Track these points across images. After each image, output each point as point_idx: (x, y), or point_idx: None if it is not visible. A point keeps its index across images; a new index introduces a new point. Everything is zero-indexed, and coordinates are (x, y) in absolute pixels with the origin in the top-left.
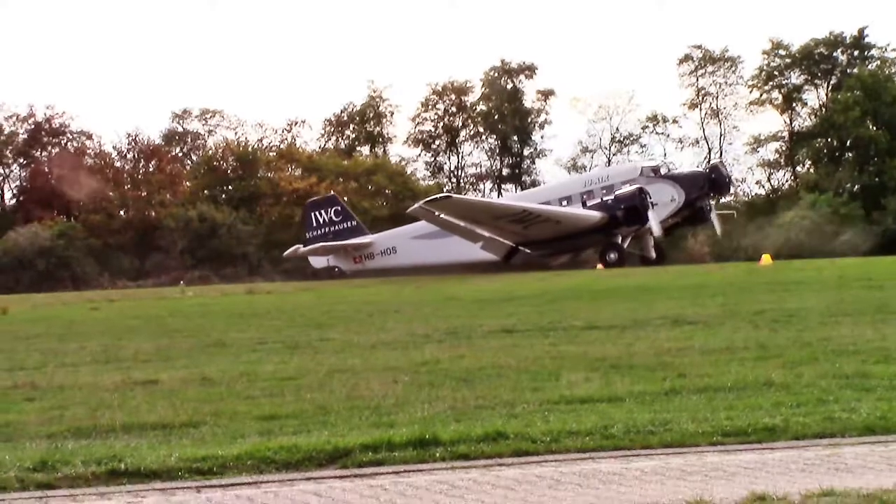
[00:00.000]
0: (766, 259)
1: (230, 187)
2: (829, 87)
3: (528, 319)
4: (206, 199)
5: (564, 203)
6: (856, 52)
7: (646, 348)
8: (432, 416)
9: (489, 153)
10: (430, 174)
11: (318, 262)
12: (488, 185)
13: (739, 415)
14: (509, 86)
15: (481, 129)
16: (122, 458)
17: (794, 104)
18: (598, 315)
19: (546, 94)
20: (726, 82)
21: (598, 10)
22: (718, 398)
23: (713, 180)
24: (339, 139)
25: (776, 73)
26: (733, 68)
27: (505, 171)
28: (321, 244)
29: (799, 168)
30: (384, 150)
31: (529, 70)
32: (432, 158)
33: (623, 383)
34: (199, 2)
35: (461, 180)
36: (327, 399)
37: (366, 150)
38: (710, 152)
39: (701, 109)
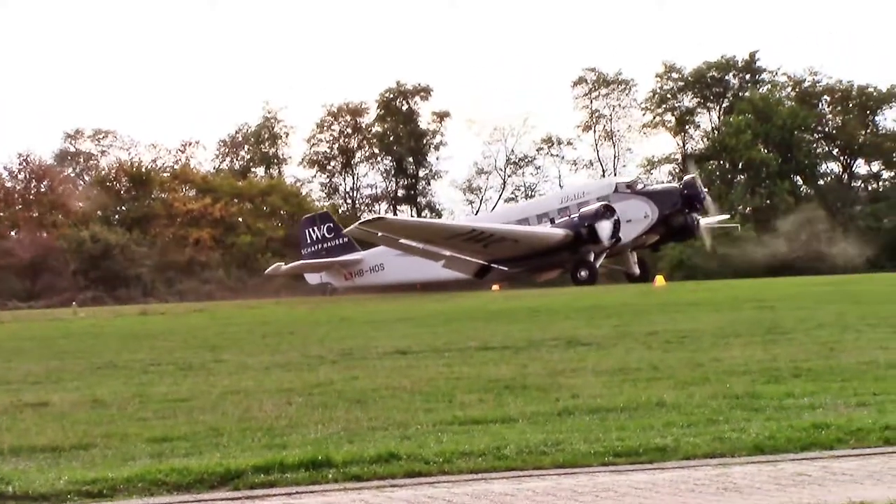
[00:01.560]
0: (659, 280)
1: (123, 208)
2: (721, 110)
3: (423, 340)
4: (99, 219)
5: (543, 220)
6: (747, 76)
7: (539, 369)
8: (325, 438)
9: (384, 174)
10: (325, 195)
11: (312, 278)
12: (383, 206)
13: (631, 435)
14: (405, 107)
15: (377, 151)
16: (10, 480)
17: (686, 127)
18: (492, 336)
19: (441, 116)
20: (620, 105)
21: (493, 32)
22: (610, 419)
23: (686, 196)
24: (234, 160)
25: (669, 95)
26: (627, 91)
27: (400, 193)
28: (301, 262)
29: None
30: (279, 171)
31: (425, 92)
32: (327, 179)
33: (516, 404)
34: (92, 21)
35: (356, 202)
36: (220, 421)
37: (261, 171)
38: (604, 174)
39: (595, 131)
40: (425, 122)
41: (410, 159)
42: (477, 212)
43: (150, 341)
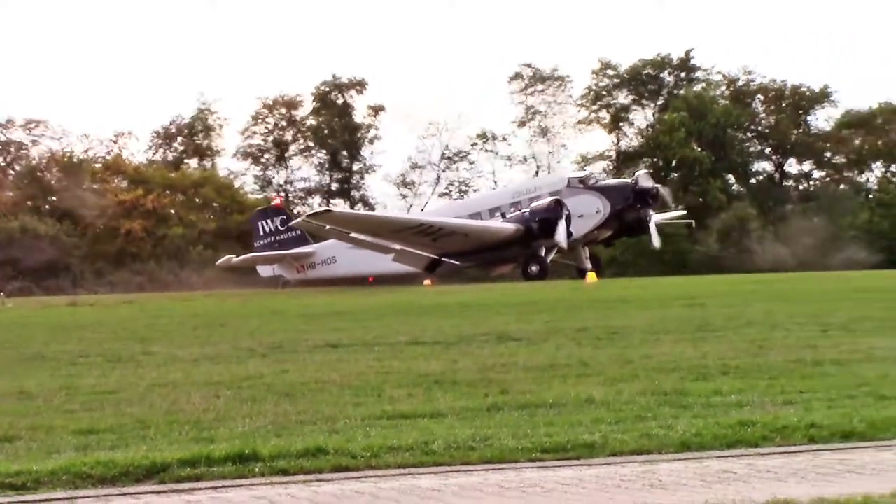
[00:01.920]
0: (591, 277)
1: (54, 198)
2: (656, 108)
3: (354, 334)
4: (29, 209)
5: (495, 214)
6: (682, 74)
7: (469, 364)
8: (253, 432)
9: (319, 168)
10: (258, 188)
11: (264, 271)
12: (317, 199)
13: (559, 431)
14: (340, 101)
15: (311, 144)
16: None
17: (621, 124)
18: (423, 331)
19: (376, 110)
20: (555, 101)
21: (429, 26)
22: (539, 414)
23: (638, 191)
24: (167, 151)
25: (604, 92)
26: (562, 87)
27: (334, 186)
28: (252, 254)
29: None
30: (213, 163)
31: (360, 85)
32: (261, 172)
33: (445, 399)
34: (24, 10)
35: (290, 194)
36: (147, 413)
37: (194, 162)
38: (538, 170)
39: (530, 127)
40: (360, 115)
41: (345, 153)
42: (410, 207)
43: (79, 332)
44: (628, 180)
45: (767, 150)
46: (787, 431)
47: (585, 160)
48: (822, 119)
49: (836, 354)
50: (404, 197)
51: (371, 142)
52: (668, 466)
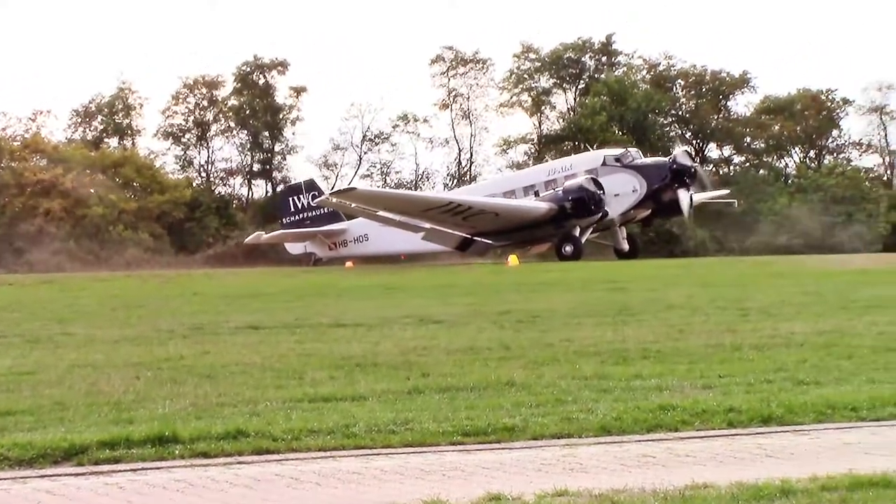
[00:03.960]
0: (513, 260)
1: None
2: (577, 92)
3: (275, 316)
4: None
5: (530, 192)
6: (603, 58)
7: (391, 347)
8: (173, 413)
9: (240, 148)
10: (179, 168)
11: (294, 248)
12: (238, 180)
13: (480, 414)
14: (261, 81)
15: (232, 124)
16: None
17: (542, 107)
18: (345, 313)
19: (298, 91)
20: (477, 84)
21: (351, 7)
22: (460, 398)
23: (675, 170)
24: (87, 130)
25: (526, 76)
26: (484, 70)
27: (256, 167)
28: (282, 231)
29: None
30: (133, 143)
31: (282, 66)
32: (182, 152)
33: (367, 382)
34: None
35: (211, 175)
36: (66, 395)
37: (114, 142)
38: (460, 153)
39: (452, 110)
40: (282, 96)
41: (266, 134)
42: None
43: None
44: (665, 159)
45: (688, 135)
46: (706, 416)
47: (507, 143)
48: (741, 104)
49: (755, 339)
50: (326, 178)
51: (293, 123)
52: (588, 450)
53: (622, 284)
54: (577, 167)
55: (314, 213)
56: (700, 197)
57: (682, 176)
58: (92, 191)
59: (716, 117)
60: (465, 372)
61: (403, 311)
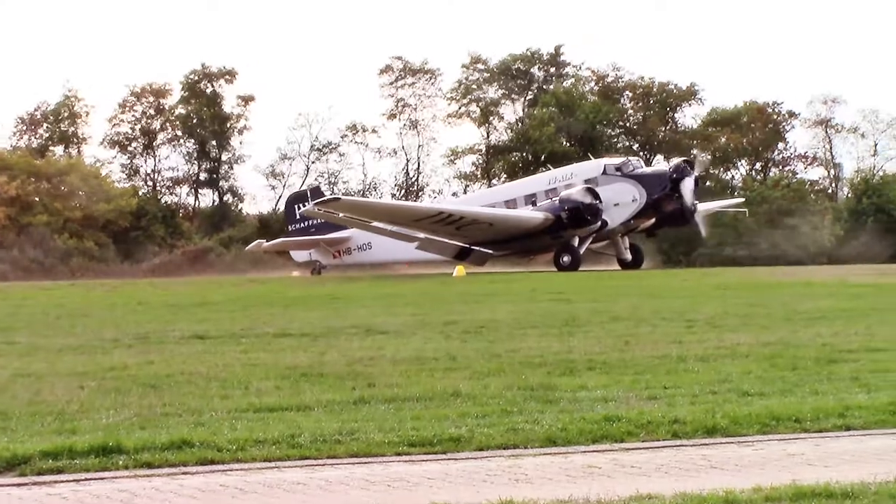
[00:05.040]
0: (459, 270)
1: None
2: (526, 103)
3: (221, 326)
4: None
5: (531, 201)
6: (552, 69)
7: (337, 357)
8: (117, 424)
9: (187, 157)
10: (125, 177)
11: (299, 255)
12: (185, 189)
13: (426, 425)
14: (209, 90)
15: (179, 133)
16: None
17: (491, 118)
18: (291, 323)
19: (246, 100)
20: (425, 94)
21: (300, 16)
22: (406, 408)
23: (675, 180)
24: (32, 138)
25: (474, 86)
26: (432, 80)
27: (203, 176)
28: (283, 239)
29: (495, 181)
30: (79, 151)
31: (230, 75)
32: (129, 161)
33: (312, 392)
34: None
35: (157, 184)
36: (8, 405)
37: (59, 150)
38: (408, 163)
39: (400, 120)
40: (230, 105)
41: (214, 143)
42: (279, 196)
43: None
44: (665, 168)
45: (635, 147)
46: (651, 427)
47: (455, 154)
48: (689, 116)
49: (700, 350)
50: (273, 188)
51: (240, 132)
52: (533, 461)
53: (568, 295)
54: (577, 176)
55: (318, 220)
56: (712, 206)
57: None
58: (37, 199)
59: (663, 129)
60: (410, 382)
61: (349, 322)
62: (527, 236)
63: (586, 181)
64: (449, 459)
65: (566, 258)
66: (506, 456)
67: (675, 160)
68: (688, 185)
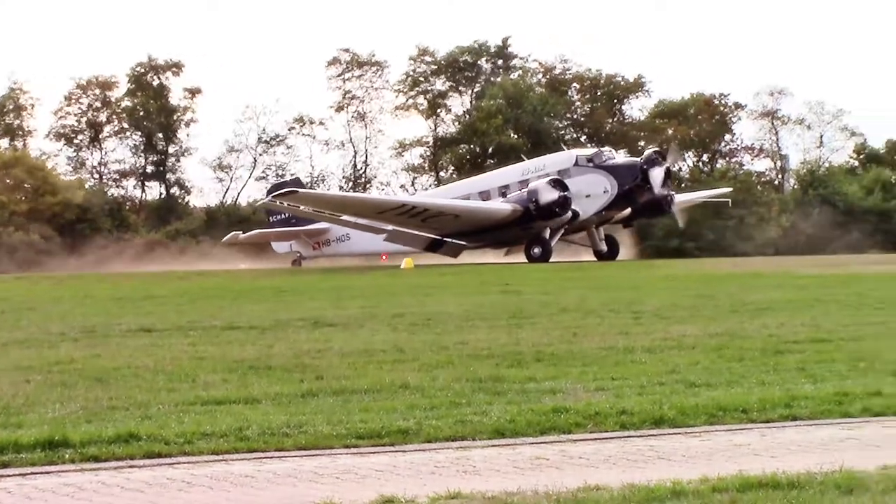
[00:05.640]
0: (407, 263)
1: None
2: (473, 95)
3: (168, 319)
4: None
5: (505, 192)
6: (499, 61)
7: (285, 350)
8: (63, 417)
9: (133, 150)
10: (71, 169)
11: (280, 247)
12: (132, 182)
13: (374, 417)
14: (155, 82)
15: (126, 126)
16: None
17: (438, 110)
18: (239, 315)
19: (193, 92)
20: (373, 86)
21: (246, 8)
22: (354, 400)
23: (646, 171)
24: None
25: (422, 78)
26: (380, 73)
27: (150, 169)
28: (259, 231)
29: (442, 173)
30: (24, 144)
31: (176, 67)
32: (75, 153)
33: (260, 385)
34: None
35: (104, 176)
36: None
37: (4, 142)
38: (355, 155)
39: (347, 112)
40: (176, 97)
41: (160, 135)
42: (226, 189)
43: None
44: (637, 159)
45: (583, 139)
46: (599, 418)
47: (403, 146)
48: (636, 108)
49: (647, 342)
50: (220, 181)
51: (187, 124)
52: (481, 453)
53: (515, 287)
54: (549, 167)
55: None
56: (696, 196)
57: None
58: None
59: (610, 121)
60: (358, 375)
61: (297, 314)
62: (497, 228)
63: (559, 172)
64: (397, 452)
65: (536, 249)
66: (454, 448)
67: (648, 151)
68: (657, 175)
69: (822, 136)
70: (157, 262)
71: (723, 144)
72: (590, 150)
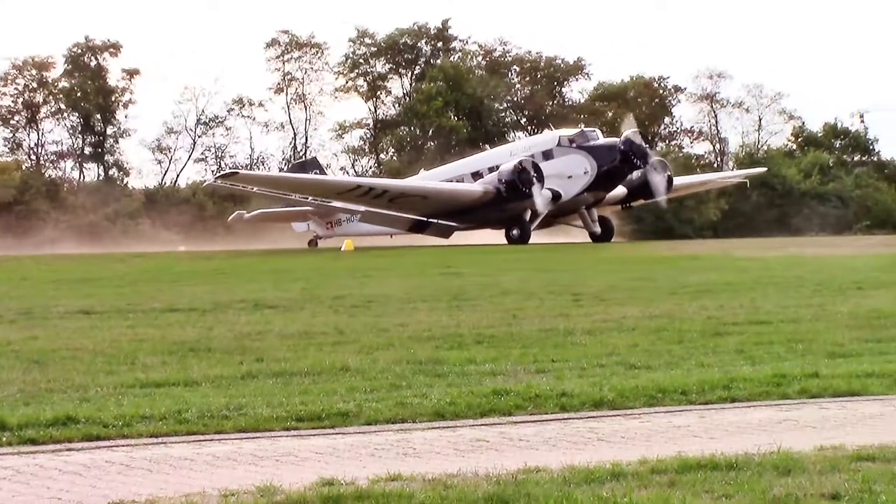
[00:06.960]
0: (348, 245)
1: None
2: (413, 77)
3: (107, 301)
4: None
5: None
6: (439, 44)
7: (225, 332)
8: (0, 400)
9: (71, 131)
10: (8, 150)
11: (298, 227)
12: (69, 163)
13: (314, 400)
14: (93, 63)
15: (63, 107)
16: None
17: (378, 92)
18: (178, 298)
19: (131, 74)
20: (312, 68)
21: None
22: (294, 383)
23: (624, 151)
24: None
25: (361, 60)
26: (319, 54)
27: (88, 150)
28: (261, 210)
29: (382, 156)
30: None
31: (114, 48)
32: (11, 135)
33: (200, 367)
34: None
35: (41, 158)
36: None
37: None
38: (295, 137)
39: (287, 94)
40: (114, 78)
41: (98, 116)
42: (165, 170)
43: None
44: (615, 140)
45: (523, 121)
46: (539, 400)
47: (342, 128)
48: (576, 91)
49: (587, 324)
50: (159, 162)
51: (125, 105)
52: (422, 435)
53: (456, 269)
54: (533, 148)
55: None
56: (718, 176)
57: (630, 157)
58: None
59: (551, 103)
60: (299, 357)
61: (237, 296)
62: (473, 209)
63: (543, 153)
64: (337, 434)
65: (515, 231)
66: (394, 430)
67: (627, 131)
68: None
69: (760, 119)
70: (95, 245)
71: (662, 127)
72: (573, 131)
